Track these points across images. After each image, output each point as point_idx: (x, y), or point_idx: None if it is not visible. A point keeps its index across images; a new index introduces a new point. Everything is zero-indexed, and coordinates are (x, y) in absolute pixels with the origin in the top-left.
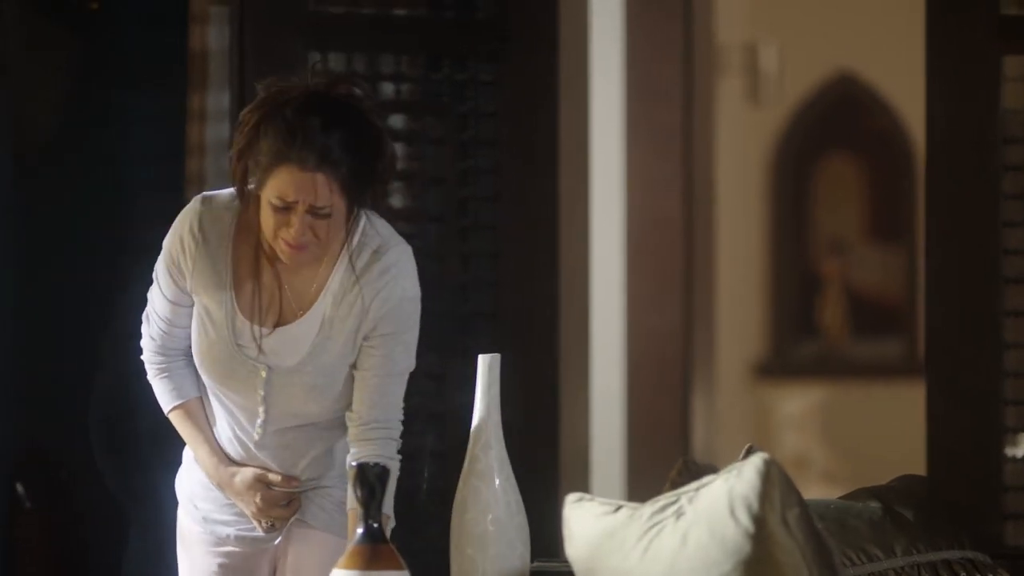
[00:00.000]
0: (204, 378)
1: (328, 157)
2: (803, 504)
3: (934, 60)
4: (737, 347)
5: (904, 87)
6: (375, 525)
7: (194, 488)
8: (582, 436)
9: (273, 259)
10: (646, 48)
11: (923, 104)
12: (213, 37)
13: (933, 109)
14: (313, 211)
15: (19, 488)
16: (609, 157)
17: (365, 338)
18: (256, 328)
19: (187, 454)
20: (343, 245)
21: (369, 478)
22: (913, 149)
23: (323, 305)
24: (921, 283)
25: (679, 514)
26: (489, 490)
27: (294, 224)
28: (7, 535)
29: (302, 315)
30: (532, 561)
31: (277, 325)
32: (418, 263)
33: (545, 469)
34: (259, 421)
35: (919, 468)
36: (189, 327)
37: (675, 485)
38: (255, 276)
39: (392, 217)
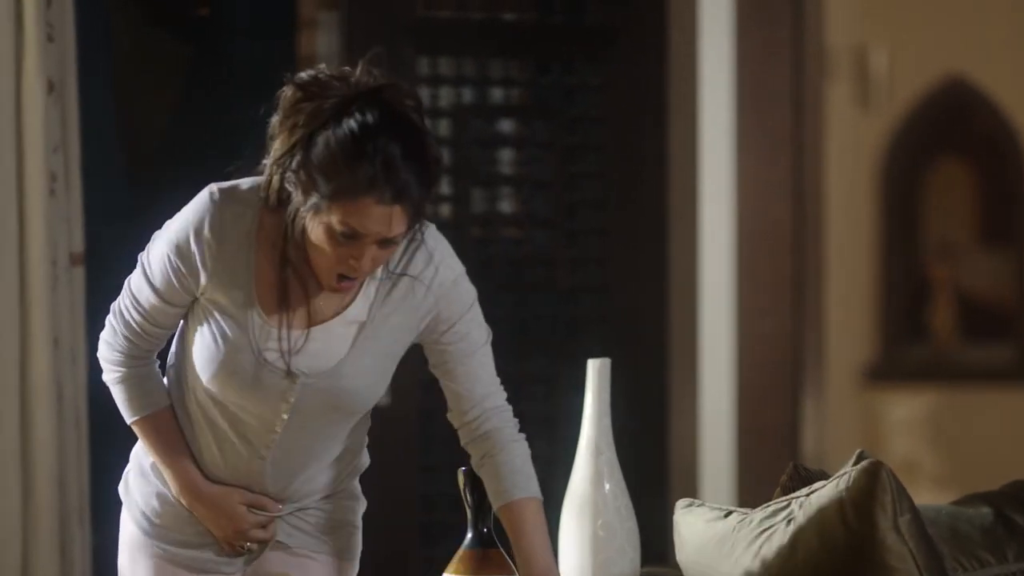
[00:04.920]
0: (211, 390)
1: (407, 192)
2: (914, 510)
3: None
4: (847, 351)
5: (1015, 90)
6: (484, 530)
7: (150, 500)
8: (692, 441)
9: (300, 265)
10: (756, 51)
11: None
12: (322, 43)
13: None
14: (383, 242)
15: None
16: (719, 161)
17: (432, 333)
18: (284, 332)
19: (141, 461)
20: None
21: (478, 483)
22: None
23: (364, 303)
24: None
25: (789, 519)
26: (599, 495)
27: (361, 256)
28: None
29: (337, 314)
30: (642, 566)
31: (308, 326)
32: (526, 268)
33: (655, 474)
34: (275, 436)
35: None
36: (171, 330)
37: (785, 490)
38: (280, 277)
39: (500, 222)
